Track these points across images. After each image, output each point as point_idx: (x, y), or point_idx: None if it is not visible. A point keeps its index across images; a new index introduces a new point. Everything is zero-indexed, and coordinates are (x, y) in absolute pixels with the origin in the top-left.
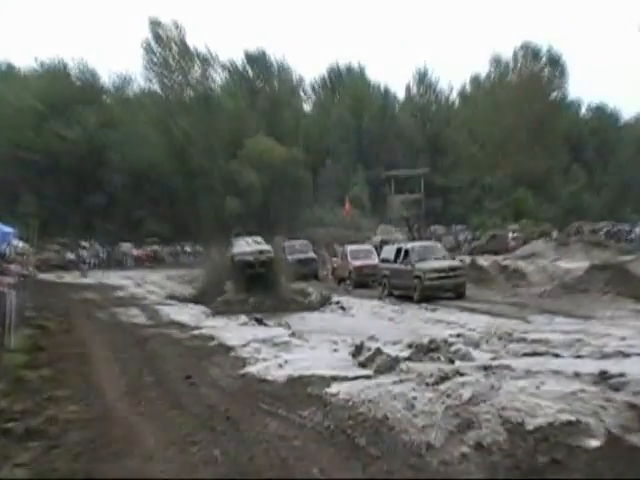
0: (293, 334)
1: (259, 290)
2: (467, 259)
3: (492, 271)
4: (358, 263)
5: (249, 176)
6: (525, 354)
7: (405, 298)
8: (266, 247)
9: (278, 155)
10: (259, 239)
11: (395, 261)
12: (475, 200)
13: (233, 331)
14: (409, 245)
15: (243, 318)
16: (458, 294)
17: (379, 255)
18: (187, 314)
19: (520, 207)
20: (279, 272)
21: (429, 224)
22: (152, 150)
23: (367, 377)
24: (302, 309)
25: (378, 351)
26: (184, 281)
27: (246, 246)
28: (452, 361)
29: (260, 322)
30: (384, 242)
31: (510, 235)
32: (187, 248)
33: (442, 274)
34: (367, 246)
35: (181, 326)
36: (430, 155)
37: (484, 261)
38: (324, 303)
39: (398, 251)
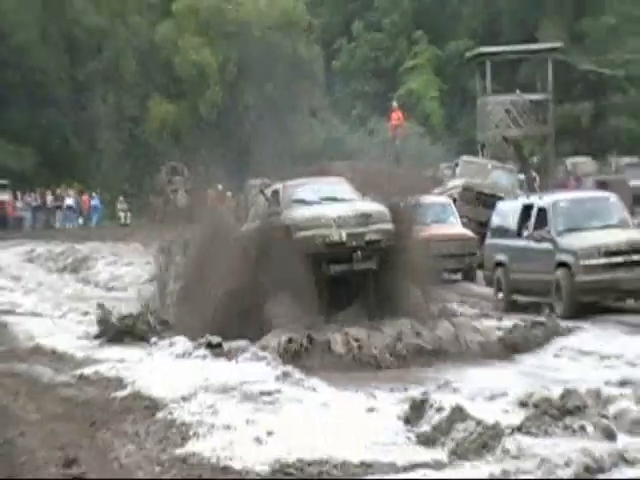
0: (286, 375)
1: (359, 315)
2: None
3: None
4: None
5: (199, 56)
6: None
7: (539, 309)
8: (371, 207)
9: (259, 13)
10: (335, 184)
11: (519, 233)
12: None
13: (161, 370)
14: (547, 200)
15: (183, 344)
16: None
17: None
18: (65, 335)
19: None
20: (410, 270)
21: (564, 154)
22: None
23: (435, 467)
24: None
25: (458, 412)
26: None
27: (316, 206)
28: (611, 435)
29: (216, 349)
30: (468, 190)
31: None
32: (69, 200)
33: (618, 258)
34: (439, 198)
35: (56, 358)
36: (566, 16)
37: None
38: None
39: (525, 213)
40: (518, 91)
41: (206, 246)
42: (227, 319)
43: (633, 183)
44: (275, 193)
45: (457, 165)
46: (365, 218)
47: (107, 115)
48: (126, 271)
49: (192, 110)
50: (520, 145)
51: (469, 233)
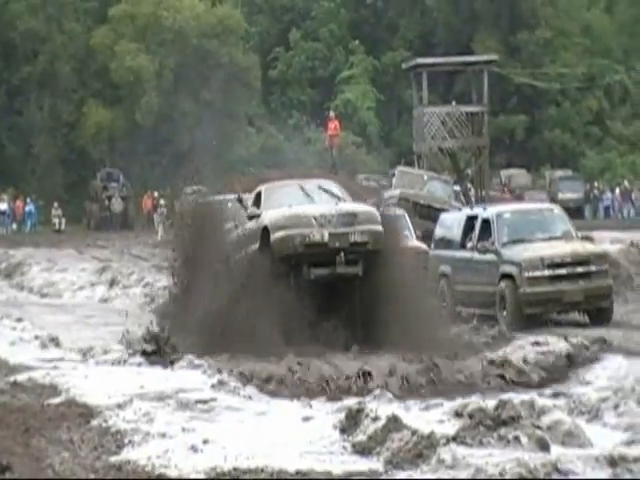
0: (221, 383)
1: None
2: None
3: (627, 264)
4: None
5: (135, 62)
6: None
7: (484, 321)
8: (358, 207)
9: (196, 20)
10: (327, 184)
11: (462, 245)
12: (594, 119)
13: (96, 377)
14: (491, 212)
15: (118, 351)
16: (598, 314)
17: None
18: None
19: None
20: (404, 279)
21: (498, 166)
22: None
23: (370, 476)
24: None
25: (393, 421)
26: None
27: (300, 200)
28: (545, 446)
29: (152, 356)
30: (404, 201)
31: None
32: (3, 205)
33: (562, 270)
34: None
35: None
36: (501, 29)
37: (610, 244)
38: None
39: (469, 224)
40: (454, 103)
41: (198, 255)
42: (221, 335)
43: (566, 196)
44: (257, 195)
45: (393, 176)
46: (351, 218)
47: (42, 120)
48: (61, 277)
49: (128, 116)
50: (456, 156)
51: (423, 246)
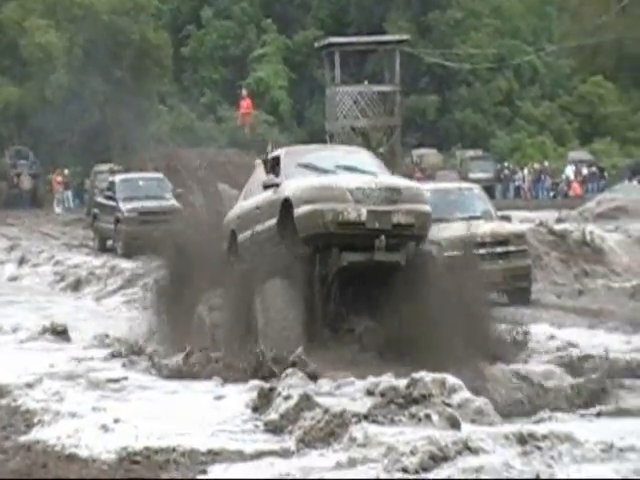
0: (132, 363)
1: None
2: None
3: (536, 243)
4: None
5: (45, 38)
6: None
7: None
8: (401, 182)
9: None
10: (354, 153)
11: None
12: (504, 99)
13: (5, 356)
14: None
15: (27, 329)
16: (517, 294)
17: None
18: None
19: (596, 115)
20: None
21: (410, 146)
22: None
23: (282, 455)
24: None
25: (305, 400)
26: None
27: (328, 169)
28: (455, 424)
29: (62, 335)
30: None
31: (570, 172)
32: None
33: (482, 250)
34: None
35: None
36: (413, 9)
37: (519, 223)
38: None
39: None
40: (366, 82)
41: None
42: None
43: (477, 176)
44: (275, 160)
45: None
46: (394, 194)
47: None
48: None
49: (37, 93)
50: (368, 135)
51: None
